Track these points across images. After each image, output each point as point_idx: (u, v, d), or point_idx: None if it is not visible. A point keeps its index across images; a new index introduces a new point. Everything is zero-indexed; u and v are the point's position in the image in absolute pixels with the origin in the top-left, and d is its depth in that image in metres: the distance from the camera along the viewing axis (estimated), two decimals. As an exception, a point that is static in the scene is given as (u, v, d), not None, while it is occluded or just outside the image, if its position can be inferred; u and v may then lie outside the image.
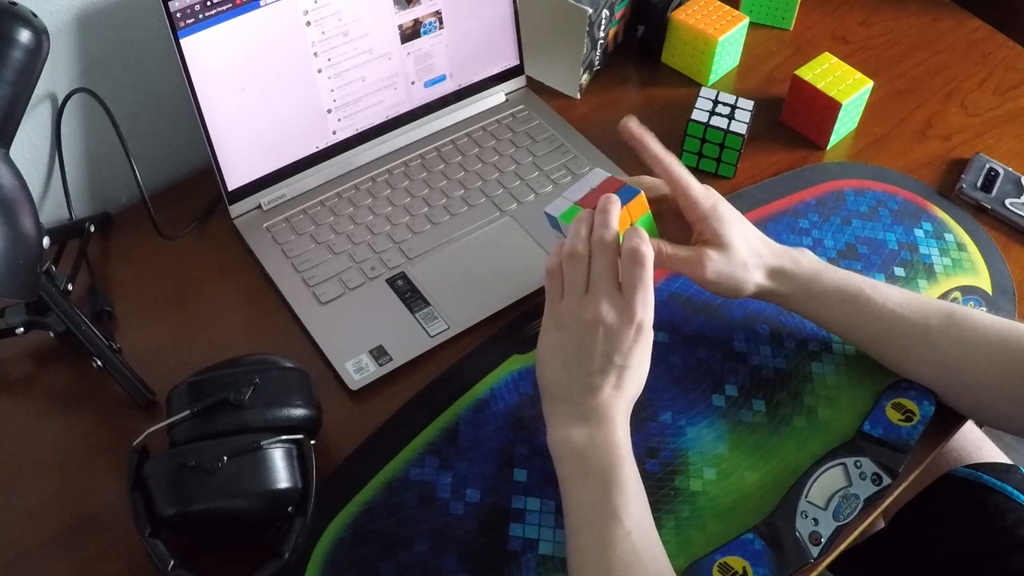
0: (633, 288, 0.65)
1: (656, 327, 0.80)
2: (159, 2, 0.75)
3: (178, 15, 0.77)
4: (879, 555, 0.89)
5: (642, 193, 0.71)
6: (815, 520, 0.68)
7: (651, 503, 0.70)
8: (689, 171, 0.74)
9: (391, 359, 0.78)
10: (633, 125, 0.74)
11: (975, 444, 0.91)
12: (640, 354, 0.65)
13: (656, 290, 0.82)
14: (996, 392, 0.70)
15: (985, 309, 0.83)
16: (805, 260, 0.74)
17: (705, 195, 0.72)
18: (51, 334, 0.77)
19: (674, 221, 0.75)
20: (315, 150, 0.90)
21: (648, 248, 0.65)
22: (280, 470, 0.63)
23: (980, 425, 0.96)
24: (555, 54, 1.00)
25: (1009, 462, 0.90)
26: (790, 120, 1.00)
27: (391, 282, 0.83)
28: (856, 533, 0.69)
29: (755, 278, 0.73)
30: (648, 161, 0.73)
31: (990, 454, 0.91)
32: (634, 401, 0.67)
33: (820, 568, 0.68)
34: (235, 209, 0.87)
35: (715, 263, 0.71)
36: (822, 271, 0.74)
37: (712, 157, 0.93)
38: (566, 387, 0.66)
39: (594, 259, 0.66)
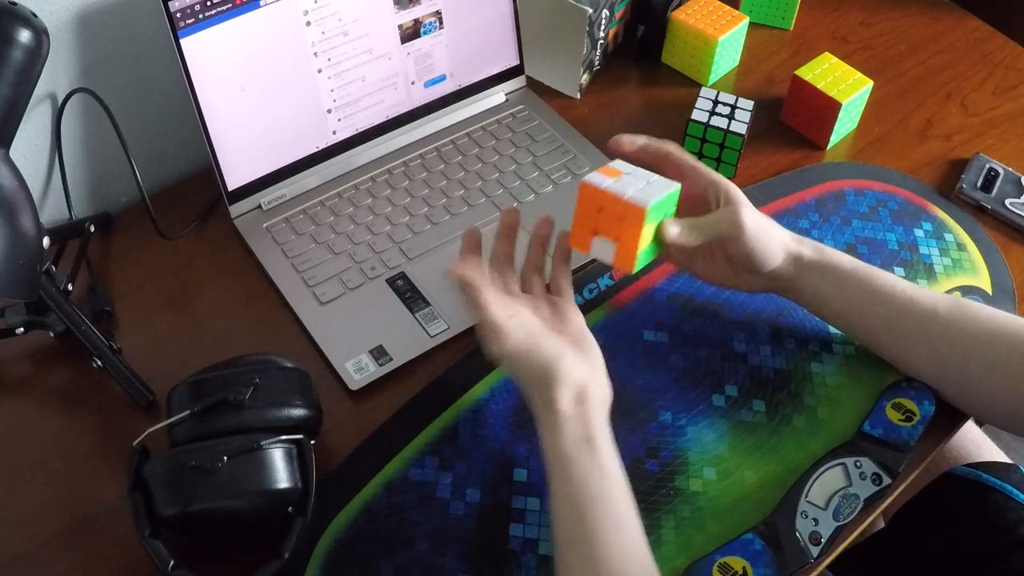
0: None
1: (656, 327, 0.80)
2: (159, 2, 0.76)
3: (178, 15, 0.77)
4: (879, 555, 0.89)
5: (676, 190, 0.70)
6: (815, 520, 0.68)
7: (651, 503, 0.70)
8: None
9: (391, 359, 0.78)
10: (624, 140, 0.74)
11: (975, 443, 0.91)
12: (492, 347, 0.66)
13: (656, 290, 0.83)
14: (999, 386, 0.70)
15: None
16: (815, 242, 0.75)
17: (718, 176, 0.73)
18: (51, 334, 0.77)
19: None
20: (315, 150, 0.90)
21: (464, 266, 0.68)
22: (280, 470, 0.63)
23: (980, 424, 0.96)
24: (555, 54, 1.00)
25: (1009, 461, 0.90)
26: (790, 120, 1.00)
27: (391, 282, 0.83)
28: (856, 533, 0.69)
29: (783, 237, 0.73)
30: (656, 159, 0.74)
31: (990, 453, 0.91)
32: (572, 384, 0.64)
33: (820, 568, 0.68)
34: (235, 209, 0.87)
35: (748, 213, 0.70)
36: (830, 249, 0.74)
37: (712, 157, 0.93)
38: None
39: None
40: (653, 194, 0.66)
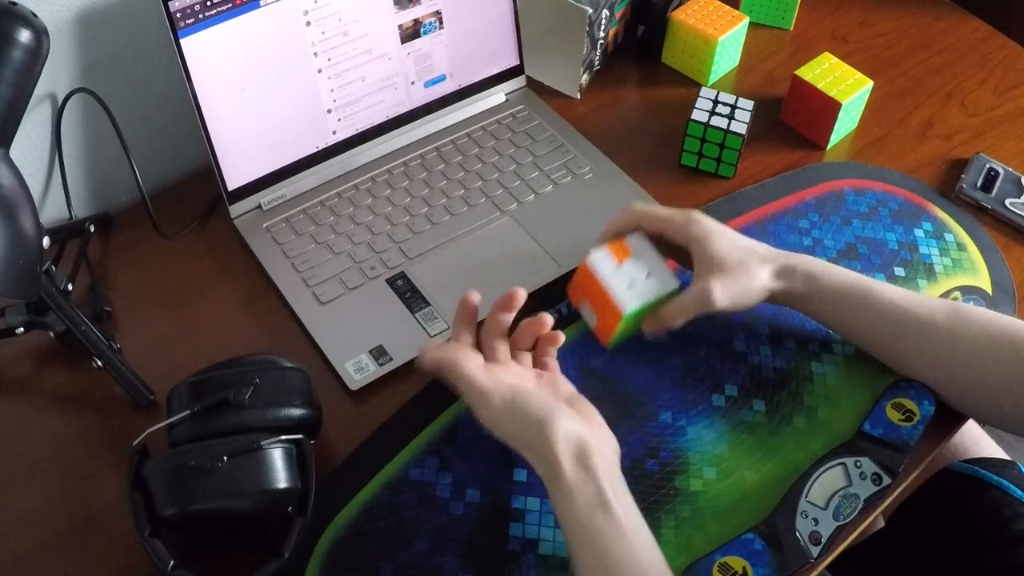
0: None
1: (656, 327, 0.80)
2: (159, 2, 0.76)
3: (178, 15, 0.77)
4: (879, 555, 0.89)
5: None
6: (815, 520, 0.68)
7: (651, 503, 0.70)
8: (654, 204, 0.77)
9: (391, 359, 0.78)
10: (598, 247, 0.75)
11: (973, 439, 0.92)
12: (479, 409, 0.65)
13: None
14: (1000, 391, 0.70)
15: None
16: (807, 259, 0.75)
17: (678, 216, 0.74)
18: (51, 334, 0.77)
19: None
20: (315, 150, 0.90)
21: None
22: (280, 470, 0.63)
23: (982, 424, 0.96)
24: (555, 54, 1.00)
25: (1007, 457, 0.90)
26: (790, 120, 1.00)
27: (391, 282, 0.83)
28: (856, 533, 0.69)
29: (761, 280, 0.73)
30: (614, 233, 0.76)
31: (988, 449, 0.91)
32: (530, 437, 0.63)
33: (820, 568, 0.68)
34: (235, 209, 0.87)
35: (718, 288, 0.71)
36: (826, 268, 0.74)
37: (712, 157, 0.93)
38: None
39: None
40: (641, 296, 0.71)
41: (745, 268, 0.72)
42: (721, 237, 0.73)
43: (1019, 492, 0.83)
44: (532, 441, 0.63)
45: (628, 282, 0.72)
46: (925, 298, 0.73)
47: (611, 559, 0.58)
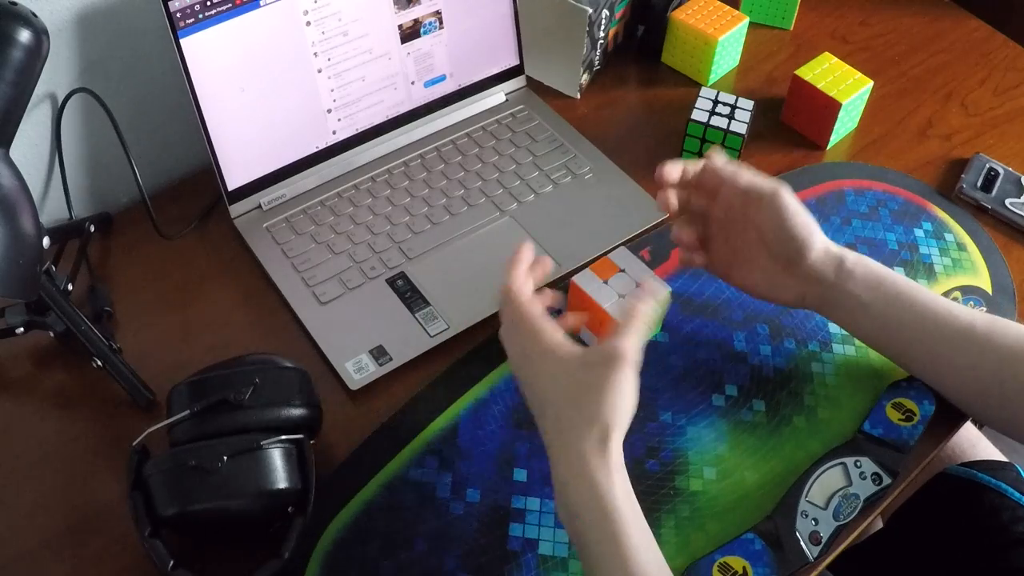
0: (516, 321, 0.66)
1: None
2: (159, 2, 0.76)
3: (178, 15, 0.77)
4: (878, 555, 0.89)
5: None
6: (815, 520, 0.68)
7: (651, 503, 0.70)
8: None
9: (391, 359, 0.78)
10: (667, 173, 0.72)
11: (970, 442, 0.91)
12: (547, 381, 0.62)
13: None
14: None
15: (985, 309, 0.83)
16: (853, 252, 0.73)
17: (765, 184, 0.71)
18: (51, 334, 0.77)
19: None
20: (315, 150, 0.90)
21: (513, 283, 0.66)
22: (280, 470, 0.63)
23: (980, 426, 0.96)
24: (555, 54, 1.00)
25: (1004, 460, 0.90)
26: (790, 120, 1.00)
27: (391, 282, 0.83)
28: (856, 533, 0.69)
29: (825, 238, 0.71)
30: (698, 180, 0.73)
31: (985, 452, 0.91)
32: (596, 417, 0.60)
33: (820, 568, 0.68)
34: (235, 209, 0.87)
35: (790, 196, 0.69)
36: (871, 260, 0.72)
37: (712, 157, 0.93)
38: (548, 436, 0.63)
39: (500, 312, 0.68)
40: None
41: (812, 218, 0.71)
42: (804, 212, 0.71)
43: (1018, 495, 0.83)
44: (552, 448, 0.62)
45: (616, 297, 0.72)
46: (965, 307, 0.71)
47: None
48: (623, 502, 0.58)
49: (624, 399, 0.61)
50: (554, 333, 0.64)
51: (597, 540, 0.58)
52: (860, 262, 0.72)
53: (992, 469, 0.86)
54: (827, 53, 0.98)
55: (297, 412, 0.66)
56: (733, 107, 0.92)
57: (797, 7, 1.09)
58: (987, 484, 0.85)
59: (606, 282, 0.73)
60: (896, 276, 0.72)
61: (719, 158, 0.73)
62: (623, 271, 0.74)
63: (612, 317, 0.70)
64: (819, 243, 0.71)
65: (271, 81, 0.84)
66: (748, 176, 0.71)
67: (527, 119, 0.98)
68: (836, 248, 0.72)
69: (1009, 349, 0.69)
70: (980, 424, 0.94)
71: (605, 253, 0.77)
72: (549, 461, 0.62)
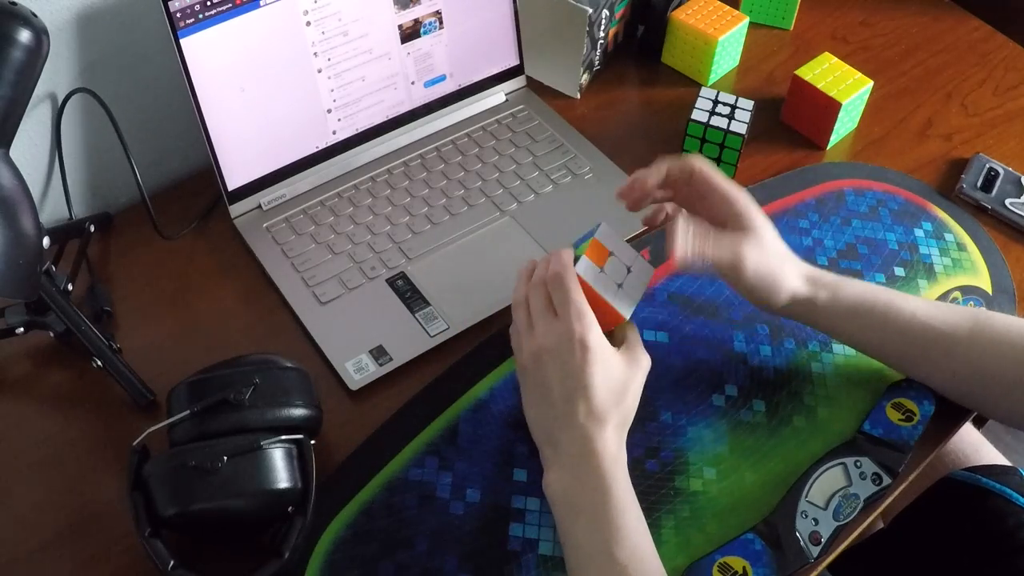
0: (562, 307, 0.64)
1: (656, 327, 0.80)
2: (159, 2, 0.76)
3: (178, 15, 0.77)
4: (879, 555, 0.89)
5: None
6: (815, 520, 0.68)
7: (651, 503, 0.70)
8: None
9: (391, 359, 0.78)
10: (646, 184, 0.72)
11: (973, 446, 0.91)
12: (598, 370, 0.63)
13: (656, 290, 0.83)
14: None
15: (985, 309, 0.83)
16: (831, 273, 0.72)
17: (738, 189, 0.71)
18: (51, 334, 0.77)
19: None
20: (315, 150, 0.90)
21: (565, 270, 0.65)
22: (280, 470, 0.63)
23: (979, 426, 0.96)
24: (555, 54, 1.00)
25: (1008, 464, 0.90)
26: (790, 120, 1.00)
27: (391, 282, 0.83)
28: (856, 533, 0.69)
29: (791, 280, 0.70)
30: (678, 188, 0.72)
31: (989, 456, 0.91)
32: (626, 417, 0.65)
33: (820, 568, 0.68)
34: (235, 209, 0.87)
35: (753, 249, 0.67)
36: (846, 280, 0.72)
37: (712, 157, 0.93)
38: (545, 427, 0.65)
39: (531, 298, 0.67)
40: (634, 292, 0.69)
41: (780, 260, 0.70)
42: (771, 228, 0.70)
43: (1022, 500, 0.83)
44: (550, 432, 0.65)
45: (616, 284, 0.70)
46: (944, 309, 0.71)
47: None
48: (625, 490, 0.62)
49: (637, 401, 0.67)
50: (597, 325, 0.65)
51: (591, 522, 0.61)
52: (831, 300, 0.71)
53: (996, 474, 0.86)
54: (827, 53, 0.98)
55: (297, 412, 0.66)
56: (733, 107, 0.92)
57: (797, 7, 1.09)
58: (992, 489, 0.84)
59: (602, 270, 0.71)
60: (874, 302, 0.71)
61: (700, 167, 0.71)
62: (613, 254, 0.71)
63: (618, 313, 0.69)
64: (786, 290, 0.70)
65: (271, 81, 0.84)
66: (724, 201, 0.69)
67: (527, 119, 0.98)
68: (805, 289, 0.71)
69: (992, 354, 0.69)
70: (981, 426, 0.94)
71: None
72: (547, 450, 0.65)
